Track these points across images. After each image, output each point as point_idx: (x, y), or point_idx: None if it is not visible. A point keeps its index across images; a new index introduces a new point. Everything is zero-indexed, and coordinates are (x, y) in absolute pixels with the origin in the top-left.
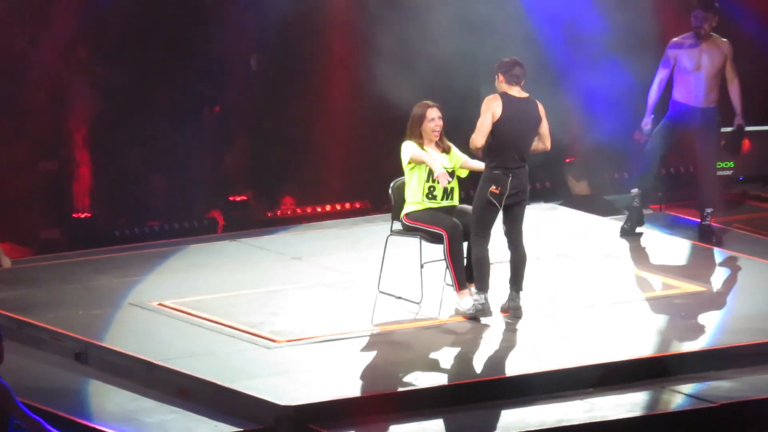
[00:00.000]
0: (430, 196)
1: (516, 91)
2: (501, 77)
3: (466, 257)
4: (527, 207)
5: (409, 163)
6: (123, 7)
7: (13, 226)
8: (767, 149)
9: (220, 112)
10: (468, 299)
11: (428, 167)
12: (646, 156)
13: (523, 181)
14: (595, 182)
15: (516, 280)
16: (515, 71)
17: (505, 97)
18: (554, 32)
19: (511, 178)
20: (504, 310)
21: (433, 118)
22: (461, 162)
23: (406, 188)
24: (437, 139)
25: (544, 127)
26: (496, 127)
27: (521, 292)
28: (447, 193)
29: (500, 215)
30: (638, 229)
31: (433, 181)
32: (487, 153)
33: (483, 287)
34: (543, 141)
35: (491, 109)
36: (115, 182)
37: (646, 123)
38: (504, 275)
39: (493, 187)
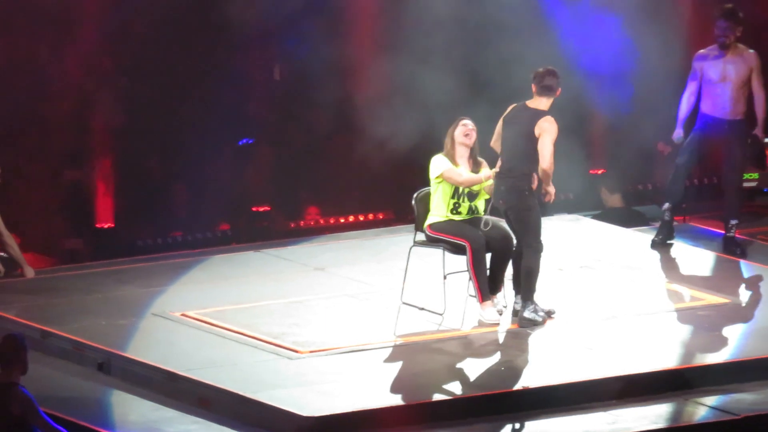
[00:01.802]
0: (454, 211)
1: (534, 102)
2: (533, 87)
3: (489, 269)
4: (553, 218)
5: (438, 177)
6: (146, 18)
7: (36, 237)
8: None
9: (243, 122)
10: (491, 310)
11: (454, 186)
12: (676, 170)
13: (501, 190)
14: (627, 194)
15: (516, 287)
16: (545, 82)
17: (514, 107)
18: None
19: (495, 186)
20: (514, 313)
21: (466, 123)
22: (487, 185)
23: (431, 200)
24: (468, 144)
25: (540, 144)
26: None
27: (527, 303)
28: (472, 210)
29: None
30: (668, 242)
31: (459, 197)
32: None
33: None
34: (540, 160)
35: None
36: (137, 193)
37: (677, 135)
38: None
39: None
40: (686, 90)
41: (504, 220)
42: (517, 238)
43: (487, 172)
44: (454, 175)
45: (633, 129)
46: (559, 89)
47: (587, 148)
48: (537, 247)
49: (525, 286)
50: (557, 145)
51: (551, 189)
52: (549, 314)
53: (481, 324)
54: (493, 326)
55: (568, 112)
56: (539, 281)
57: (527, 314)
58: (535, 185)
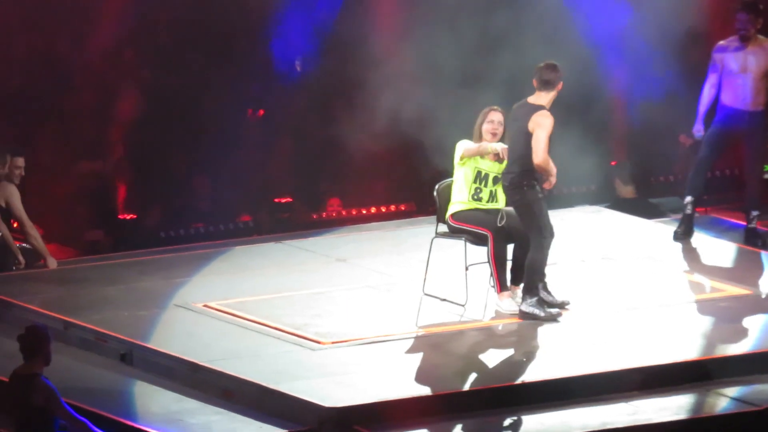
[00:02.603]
0: (476, 197)
1: (534, 97)
2: (534, 82)
3: (512, 259)
4: (574, 209)
5: (461, 158)
6: (169, 10)
7: (59, 228)
8: None
9: (264, 114)
10: (508, 301)
11: (476, 168)
12: (698, 163)
13: (505, 186)
14: (642, 185)
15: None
16: (545, 76)
17: (518, 103)
18: (601, 34)
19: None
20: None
21: (492, 120)
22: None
23: (453, 186)
24: (494, 141)
25: (533, 139)
26: None
27: (526, 296)
28: (492, 196)
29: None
30: (689, 235)
31: (481, 181)
32: None
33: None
34: (533, 155)
35: None
36: (159, 184)
37: (698, 130)
38: (553, 278)
39: None
40: (706, 82)
41: None
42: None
43: (496, 146)
44: (470, 149)
45: (653, 120)
46: (561, 83)
47: (608, 139)
48: (542, 243)
49: (527, 281)
50: (572, 136)
51: (553, 179)
52: (562, 305)
53: (500, 315)
54: (513, 317)
55: (588, 104)
56: (560, 273)
57: (525, 307)
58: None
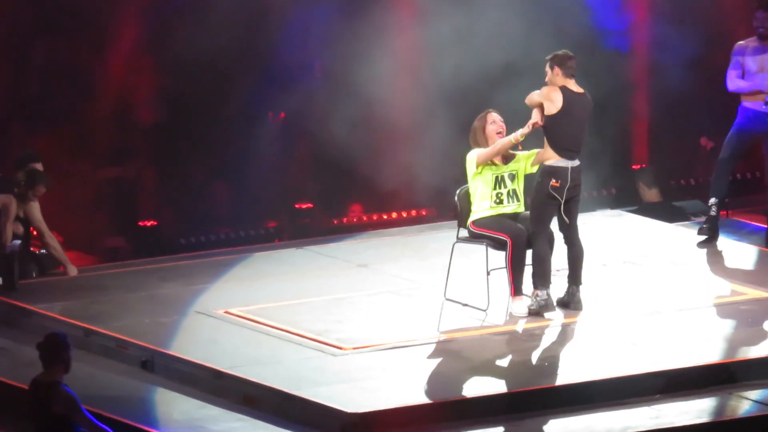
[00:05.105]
0: (497, 200)
1: (573, 85)
2: (558, 70)
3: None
4: (596, 213)
5: (478, 167)
6: (187, 15)
7: (79, 235)
8: None
9: (284, 119)
10: (520, 304)
11: (494, 174)
12: (719, 165)
13: (580, 175)
14: (664, 188)
15: (575, 275)
16: (570, 64)
17: (565, 90)
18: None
19: (571, 171)
20: (564, 304)
21: (494, 120)
22: (532, 160)
23: (473, 197)
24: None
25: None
26: (555, 120)
27: (581, 286)
28: (510, 196)
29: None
30: (713, 238)
31: (499, 184)
32: (547, 145)
33: (544, 283)
34: None
35: (550, 98)
36: (180, 190)
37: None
38: (561, 282)
39: (554, 180)
40: (729, 78)
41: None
42: (569, 226)
43: (513, 135)
44: (485, 153)
45: (675, 122)
46: None
47: (629, 143)
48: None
49: (579, 270)
50: (592, 140)
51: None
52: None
53: (514, 317)
54: (535, 321)
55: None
56: (582, 277)
57: (577, 297)
58: None
